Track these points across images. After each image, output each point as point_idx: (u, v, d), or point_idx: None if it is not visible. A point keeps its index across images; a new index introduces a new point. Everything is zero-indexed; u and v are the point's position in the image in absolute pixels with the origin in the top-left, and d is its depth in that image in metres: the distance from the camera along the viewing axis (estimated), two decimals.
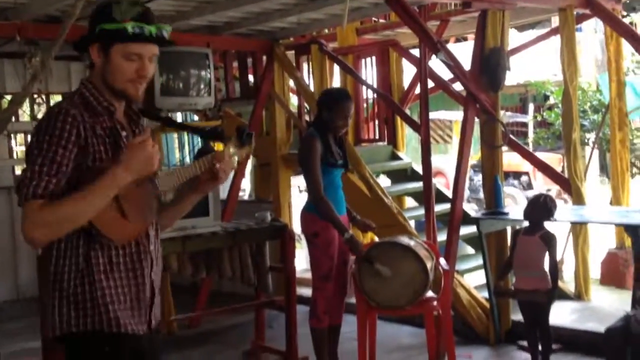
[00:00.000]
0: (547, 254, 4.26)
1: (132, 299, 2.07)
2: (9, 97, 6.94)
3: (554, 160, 11.02)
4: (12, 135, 7.71)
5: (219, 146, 7.21)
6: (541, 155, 7.53)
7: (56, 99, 8.31)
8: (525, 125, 14.96)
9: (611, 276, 6.02)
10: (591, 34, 12.30)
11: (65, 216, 1.89)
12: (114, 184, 1.93)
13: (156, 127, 2.17)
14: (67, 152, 1.92)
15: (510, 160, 11.64)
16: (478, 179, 11.00)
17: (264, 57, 6.58)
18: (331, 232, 4.09)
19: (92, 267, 1.99)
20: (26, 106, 7.28)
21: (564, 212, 4.95)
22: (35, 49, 5.89)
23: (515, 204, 10.19)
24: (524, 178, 12.86)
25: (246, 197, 9.75)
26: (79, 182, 1.94)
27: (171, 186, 2.12)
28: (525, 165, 11.84)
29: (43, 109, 8.07)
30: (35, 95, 7.15)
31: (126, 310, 2.05)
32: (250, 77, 7.05)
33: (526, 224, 4.45)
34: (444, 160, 12.93)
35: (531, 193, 10.90)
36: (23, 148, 8.53)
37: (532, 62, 11.31)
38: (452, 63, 4.84)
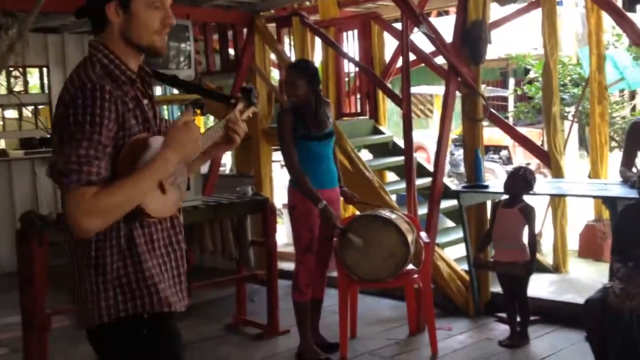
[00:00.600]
0: (526, 226, 4.31)
1: (175, 275, 2.00)
2: None
3: (534, 134, 11.11)
4: None
5: (198, 120, 7.16)
6: (521, 130, 7.56)
7: (33, 72, 8.20)
8: (505, 99, 15.01)
9: (589, 248, 6.10)
10: (572, 8, 12.32)
11: (120, 203, 1.79)
12: (164, 168, 1.85)
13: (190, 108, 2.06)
14: (111, 132, 1.80)
15: (491, 134, 11.71)
16: (459, 153, 11.05)
17: (245, 30, 6.51)
18: (309, 204, 4.09)
19: (135, 247, 1.90)
20: (3, 79, 7.15)
21: (543, 185, 4.99)
22: (12, 20, 5.78)
23: (495, 177, 10.26)
24: (504, 152, 12.96)
25: (227, 172, 9.73)
26: (117, 159, 1.84)
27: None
28: (505, 140, 11.92)
29: (20, 82, 7.94)
30: (12, 69, 7.04)
31: (171, 287, 1.98)
32: (231, 50, 6.98)
33: (506, 197, 4.49)
34: (426, 135, 12.98)
35: (511, 167, 10.98)
36: (0, 123, 8.40)
37: (513, 36, 11.30)
38: (433, 36, 4.83)
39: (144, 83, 2.02)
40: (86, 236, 1.80)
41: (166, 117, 8.50)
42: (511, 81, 15.36)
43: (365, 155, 6.77)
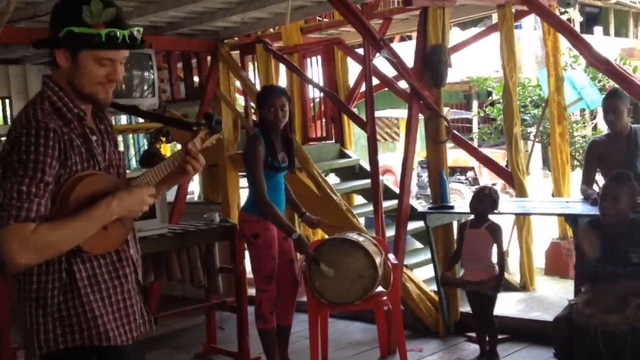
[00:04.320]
0: (494, 245, 4.36)
1: (120, 308, 2.01)
2: None
3: (498, 155, 11.27)
4: None
5: (164, 148, 7.13)
6: (486, 151, 7.68)
7: None
8: (470, 121, 15.26)
9: (555, 266, 6.18)
10: (531, 31, 12.63)
11: (58, 242, 1.82)
12: (106, 216, 1.89)
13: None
14: (52, 169, 1.84)
15: (457, 156, 11.88)
16: (426, 175, 11.16)
17: (209, 57, 6.53)
18: (271, 231, 4.09)
19: (76, 281, 1.92)
20: None
21: (507, 205, 5.06)
22: None
23: (462, 198, 10.38)
24: (470, 173, 13.14)
25: (195, 199, 9.66)
26: (57, 196, 1.86)
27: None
28: (472, 161, 12.09)
29: None
30: None
31: (115, 322, 1.99)
32: (196, 78, 6.99)
33: (472, 217, 4.55)
34: (393, 158, 13.08)
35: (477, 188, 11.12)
36: None
37: (475, 59, 11.53)
38: (395, 60, 4.90)
39: (97, 118, 2.04)
40: (18, 270, 1.83)
41: (131, 146, 8.45)
42: (475, 103, 15.63)
43: (332, 179, 6.80)
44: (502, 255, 4.39)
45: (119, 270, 2.02)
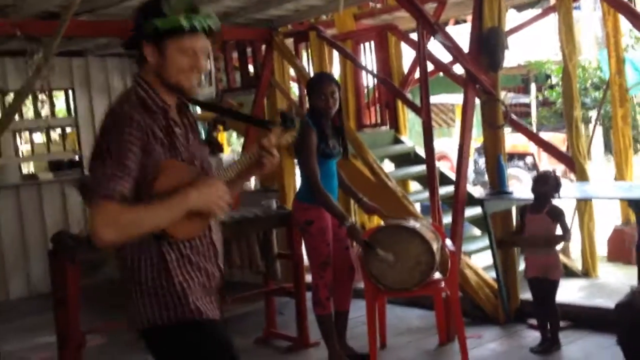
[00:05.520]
0: (558, 228, 4.28)
1: (205, 287, 2.13)
2: (12, 96, 6.99)
3: (558, 139, 11.01)
4: (17, 134, 7.76)
5: (221, 136, 7.24)
6: (545, 135, 7.55)
7: (58, 95, 8.37)
8: (528, 105, 14.92)
9: (618, 252, 6.03)
10: (590, 12, 12.25)
11: (137, 222, 1.95)
12: (184, 206, 1.99)
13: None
14: (134, 155, 1.97)
15: (515, 141, 11.65)
16: (483, 161, 11.00)
17: (263, 46, 6.58)
18: (325, 218, 4.12)
19: (165, 262, 2.06)
20: (29, 103, 7.31)
21: (568, 189, 4.95)
22: (37, 45, 5.92)
23: (520, 184, 10.19)
24: (529, 159, 12.86)
25: (252, 187, 9.78)
26: (143, 183, 1.99)
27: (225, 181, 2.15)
28: (530, 147, 11.84)
29: (46, 106, 8.10)
30: (38, 92, 7.19)
31: (203, 298, 2.12)
32: (251, 67, 7.06)
33: (531, 202, 4.47)
34: (448, 144, 12.93)
35: (536, 173, 10.90)
36: (28, 147, 8.58)
37: (533, 42, 11.27)
38: (450, 44, 4.84)
39: (181, 112, 2.17)
40: (103, 246, 1.96)
41: None
42: (533, 87, 15.29)
43: (387, 165, 6.79)
44: (567, 234, 4.32)
45: (201, 254, 2.13)
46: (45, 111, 8.16)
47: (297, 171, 7.29)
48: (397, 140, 6.77)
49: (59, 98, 8.65)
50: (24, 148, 8.92)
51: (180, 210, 1.99)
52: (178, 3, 2.03)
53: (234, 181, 2.19)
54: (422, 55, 5.11)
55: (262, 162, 2.20)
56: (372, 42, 6.77)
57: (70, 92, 7.69)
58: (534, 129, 9.30)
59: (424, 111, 5.05)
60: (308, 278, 4.91)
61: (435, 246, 4.06)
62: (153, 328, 2.08)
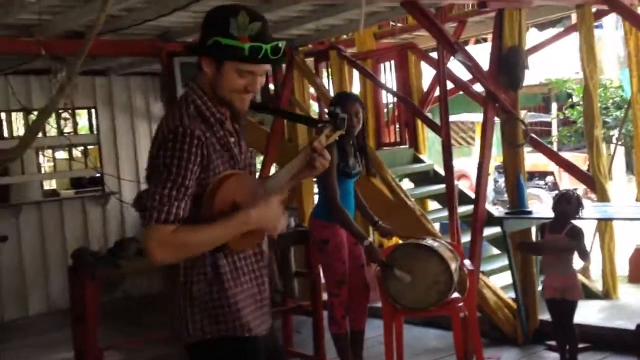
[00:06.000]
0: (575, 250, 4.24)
1: (257, 301, 2.13)
2: (36, 114, 7.09)
3: (580, 159, 10.92)
4: (40, 151, 7.87)
5: None
6: (566, 155, 7.49)
7: (82, 113, 8.48)
8: (549, 124, 14.84)
9: (639, 273, 5.95)
10: (612, 31, 12.18)
11: (194, 244, 1.96)
12: (243, 226, 2.00)
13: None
14: (194, 175, 1.96)
15: (536, 160, 11.57)
16: (503, 180, 10.93)
17: (284, 65, 6.63)
18: (340, 236, 4.11)
19: (220, 275, 2.04)
20: (53, 122, 7.42)
21: (589, 210, 4.90)
22: (61, 65, 6.02)
23: (541, 204, 10.11)
24: (549, 178, 12.76)
25: None
26: (203, 195, 1.99)
27: (278, 188, 2.16)
28: (551, 166, 11.76)
29: (70, 124, 8.22)
30: (62, 111, 7.30)
31: (254, 313, 2.11)
32: (271, 85, 7.11)
33: (551, 221, 4.42)
34: (468, 163, 12.88)
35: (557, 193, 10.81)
36: (52, 164, 8.69)
37: (554, 61, 11.24)
38: (470, 64, 4.85)
39: (233, 121, 2.15)
40: (158, 265, 1.97)
41: None
42: (554, 106, 15.21)
43: (406, 184, 6.78)
44: (585, 256, 4.26)
45: (254, 264, 2.14)
46: (68, 129, 8.29)
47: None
48: (417, 159, 6.77)
49: (82, 116, 8.78)
50: (47, 165, 9.04)
51: (239, 231, 2.01)
52: (247, 26, 1.98)
53: (287, 184, 2.19)
54: (442, 75, 5.12)
55: (313, 164, 2.18)
56: (393, 61, 6.80)
57: (93, 110, 7.80)
58: (555, 148, 9.23)
59: (443, 130, 5.05)
60: (325, 297, 4.90)
61: (453, 266, 4.03)
62: (201, 342, 2.06)
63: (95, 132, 7.78)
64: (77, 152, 7.82)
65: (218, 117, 2.07)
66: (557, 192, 10.18)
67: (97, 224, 7.57)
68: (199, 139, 1.97)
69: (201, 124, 2.01)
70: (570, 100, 9.60)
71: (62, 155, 8.52)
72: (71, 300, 4.25)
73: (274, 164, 6.59)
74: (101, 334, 4.14)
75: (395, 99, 6.75)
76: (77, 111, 8.02)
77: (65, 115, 7.78)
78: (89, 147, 8.02)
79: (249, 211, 2.00)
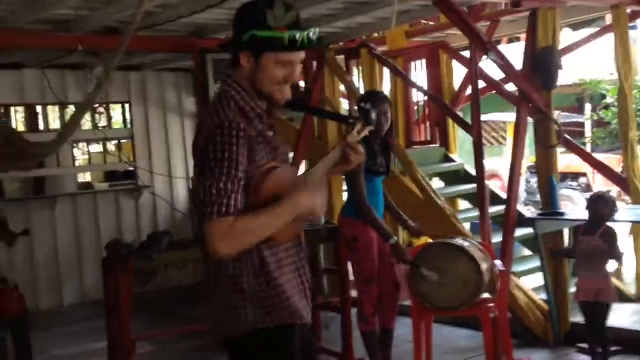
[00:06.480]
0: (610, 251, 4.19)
1: (301, 291, 2.18)
2: (72, 108, 7.22)
3: (614, 161, 10.76)
4: (75, 145, 8.01)
5: None
6: (600, 156, 7.39)
7: (116, 108, 8.61)
8: (582, 125, 14.63)
9: None
10: None
11: (251, 233, 2.00)
12: (292, 213, 2.05)
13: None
14: (243, 166, 2.00)
15: (570, 161, 11.43)
16: (535, 181, 10.81)
17: (314, 62, 6.65)
18: (370, 234, 4.11)
19: (267, 266, 2.09)
20: (88, 115, 7.54)
21: (623, 212, 4.84)
22: (96, 59, 6.12)
23: (574, 205, 9.98)
24: (582, 180, 12.58)
25: None
26: (249, 187, 2.03)
27: (317, 181, 2.17)
28: (584, 167, 11.59)
29: (104, 118, 8.34)
30: (97, 105, 7.41)
31: (300, 302, 2.16)
32: (302, 82, 7.13)
33: (585, 223, 4.37)
34: (499, 163, 12.77)
35: (590, 195, 10.66)
36: (86, 157, 8.82)
37: (588, 61, 11.08)
38: (502, 63, 4.81)
39: (270, 116, 2.19)
40: (223, 259, 2.02)
41: None
42: (588, 107, 14.98)
43: (436, 183, 6.75)
44: (619, 260, 4.21)
45: (295, 256, 2.18)
46: (102, 123, 8.41)
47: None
48: (447, 158, 6.73)
49: (116, 110, 8.90)
50: (82, 158, 9.18)
51: (291, 216, 2.04)
52: (283, 16, 2.02)
53: (324, 178, 2.21)
54: (474, 73, 5.09)
55: (349, 159, 2.20)
56: (424, 60, 6.77)
57: (127, 105, 7.90)
58: (589, 149, 9.11)
59: (475, 129, 5.02)
60: (354, 294, 4.92)
61: (484, 266, 4.01)
62: (252, 333, 2.09)
63: (129, 126, 7.89)
64: (111, 146, 7.94)
65: (257, 112, 2.10)
66: (590, 193, 10.04)
67: (130, 216, 7.69)
68: (245, 132, 2.01)
69: (242, 118, 2.05)
70: (604, 101, 9.45)
71: (96, 148, 8.65)
72: (105, 291, 4.32)
73: (304, 161, 6.62)
74: (133, 325, 4.19)
75: (426, 98, 6.72)
76: (111, 105, 8.14)
77: (100, 109, 7.90)
78: (122, 141, 8.13)
79: (297, 195, 2.04)
